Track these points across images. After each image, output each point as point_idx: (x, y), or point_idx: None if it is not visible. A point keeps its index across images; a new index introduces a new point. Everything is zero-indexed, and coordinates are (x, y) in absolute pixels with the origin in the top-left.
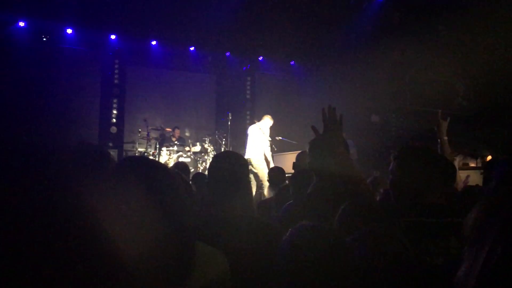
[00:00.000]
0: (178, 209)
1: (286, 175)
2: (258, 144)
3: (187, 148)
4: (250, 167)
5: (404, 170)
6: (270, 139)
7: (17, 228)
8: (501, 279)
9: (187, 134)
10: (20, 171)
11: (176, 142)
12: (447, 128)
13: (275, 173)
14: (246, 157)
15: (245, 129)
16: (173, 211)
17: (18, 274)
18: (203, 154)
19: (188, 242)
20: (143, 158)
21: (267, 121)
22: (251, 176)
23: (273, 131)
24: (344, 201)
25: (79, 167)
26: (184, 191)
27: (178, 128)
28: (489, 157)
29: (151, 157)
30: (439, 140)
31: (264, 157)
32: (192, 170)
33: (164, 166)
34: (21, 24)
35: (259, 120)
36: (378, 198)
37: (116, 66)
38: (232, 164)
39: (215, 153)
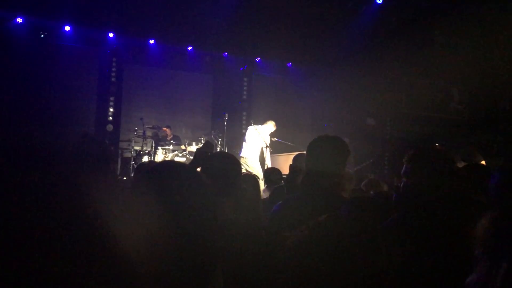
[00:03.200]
0: (186, 217)
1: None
2: (254, 145)
3: (182, 147)
4: (245, 166)
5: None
6: (267, 145)
7: (25, 226)
8: None
9: (183, 132)
10: (28, 167)
11: (171, 141)
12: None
13: (272, 173)
14: (241, 155)
15: (241, 130)
16: (183, 219)
17: (28, 270)
18: None
19: (204, 254)
20: (167, 164)
21: (269, 127)
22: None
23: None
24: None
25: (85, 166)
26: (205, 199)
27: (169, 127)
28: (483, 162)
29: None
30: None
31: (258, 158)
32: None
33: (187, 174)
34: (19, 20)
35: (255, 121)
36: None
37: (114, 64)
38: (225, 164)
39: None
